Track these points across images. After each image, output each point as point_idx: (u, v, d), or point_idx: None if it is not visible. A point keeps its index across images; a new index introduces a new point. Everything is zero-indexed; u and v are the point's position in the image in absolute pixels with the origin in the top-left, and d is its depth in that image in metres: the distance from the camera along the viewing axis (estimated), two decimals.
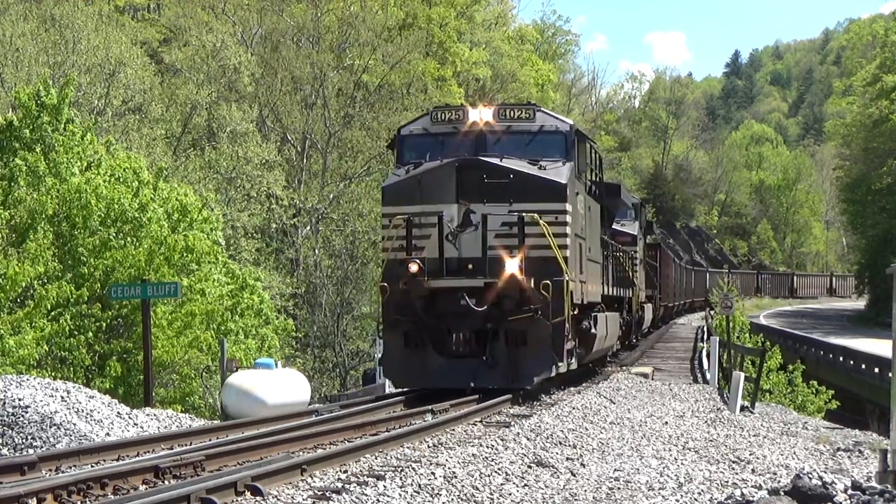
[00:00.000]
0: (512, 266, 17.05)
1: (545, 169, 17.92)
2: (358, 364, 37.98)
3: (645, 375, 25.16)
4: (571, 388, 20.62)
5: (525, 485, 10.61)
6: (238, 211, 36.66)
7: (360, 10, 45.41)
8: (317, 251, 40.35)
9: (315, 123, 42.15)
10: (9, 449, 12.70)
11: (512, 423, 14.77)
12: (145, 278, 20.40)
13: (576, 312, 18.76)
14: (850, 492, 9.43)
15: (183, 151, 38.47)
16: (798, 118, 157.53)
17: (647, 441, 14.37)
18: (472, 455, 11.68)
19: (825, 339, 43.05)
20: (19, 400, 13.71)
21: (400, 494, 9.52)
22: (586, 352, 20.20)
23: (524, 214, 17.32)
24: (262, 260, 37.48)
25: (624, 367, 27.12)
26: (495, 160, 17.73)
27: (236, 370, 18.73)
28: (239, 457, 11.46)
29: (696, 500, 10.45)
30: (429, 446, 12.83)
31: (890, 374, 17.89)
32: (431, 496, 9.63)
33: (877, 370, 31.99)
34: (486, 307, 17.13)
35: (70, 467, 11.06)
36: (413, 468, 10.68)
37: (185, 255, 22.86)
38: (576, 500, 10.22)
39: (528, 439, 13.19)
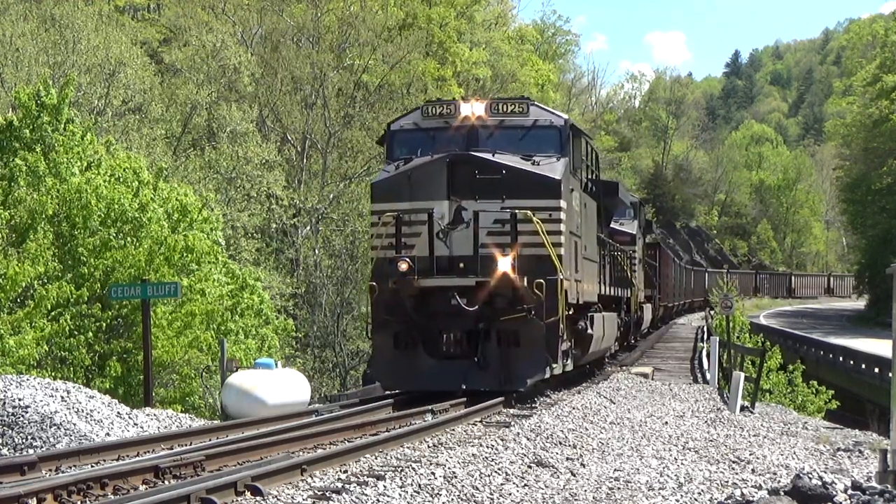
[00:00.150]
0: (504, 264, 16.63)
1: (539, 164, 17.50)
2: (358, 364, 37.97)
3: (645, 375, 25.15)
4: (571, 388, 20.62)
5: (525, 485, 10.61)
6: (238, 211, 36.66)
7: (360, 10, 45.41)
8: (317, 251, 40.35)
9: (315, 123, 42.14)
10: (9, 449, 12.69)
11: (512, 423, 14.77)
12: (145, 278, 20.39)
13: (571, 312, 18.37)
14: (850, 492, 9.43)
15: (183, 151, 38.47)
16: (798, 118, 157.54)
17: (647, 441, 14.37)
18: (472, 455, 11.68)
19: (825, 339, 43.05)
20: (19, 400, 13.71)
21: (400, 494, 9.52)
22: (582, 353, 19.81)
23: (517, 211, 16.90)
24: (262, 260, 37.47)
25: (624, 367, 27.10)
26: (487, 155, 17.33)
27: (236, 370, 18.72)
28: (239, 457, 11.46)
29: (696, 500, 10.45)
30: (429, 446, 12.83)
31: (890, 374, 17.88)
32: (431, 496, 9.63)
33: (877, 370, 31.99)
34: (477, 307, 16.73)
35: (70, 467, 11.06)
36: (413, 468, 10.68)
37: (185, 255, 22.85)
38: (576, 500, 10.22)
39: (528, 439, 13.19)
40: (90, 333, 21.26)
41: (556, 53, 77.55)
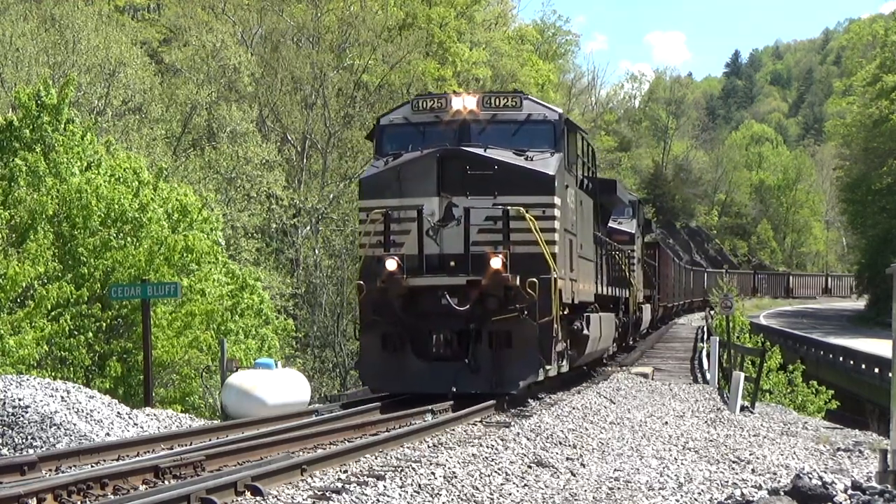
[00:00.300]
0: (496, 263, 16.14)
1: (532, 160, 17.05)
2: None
3: (645, 375, 25.15)
4: (571, 389, 20.61)
5: (525, 485, 10.61)
6: (238, 211, 36.66)
7: (360, 10, 45.40)
8: (317, 251, 40.35)
9: (315, 123, 42.14)
10: (9, 449, 12.70)
11: (512, 423, 14.77)
12: (145, 278, 20.39)
13: (566, 312, 17.98)
14: (850, 492, 9.43)
15: (183, 151, 38.46)
16: (798, 118, 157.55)
17: (647, 441, 14.37)
18: (472, 455, 11.68)
19: (825, 339, 43.04)
20: (19, 400, 13.71)
21: (400, 494, 9.52)
22: (578, 354, 19.44)
23: (509, 208, 16.47)
24: (262, 260, 37.47)
25: (624, 367, 27.08)
26: (479, 150, 16.88)
27: (236, 370, 18.71)
28: (239, 457, 11.47)
29: (696, 500, 10.45)
30: (429, 446, 12.83)
31: (890, 374, 17.88)
32: (431, 496, 9.63)
33: (877, 370, 31.98)
34: (468, 307, 16.26)
35: (70, 467, 11.06)
36: (413, 468, 10.68)
37: (185, 255, 22.84)
38: (576, 500, 10.22)
39: (528, 439, 13.19)
40: (90, 333, 21.26)
41: (556, 53, 77.51)
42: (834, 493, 9.35)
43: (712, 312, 41.83)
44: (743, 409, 20.80)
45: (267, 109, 42.55)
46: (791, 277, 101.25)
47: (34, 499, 9.08)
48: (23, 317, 20.13)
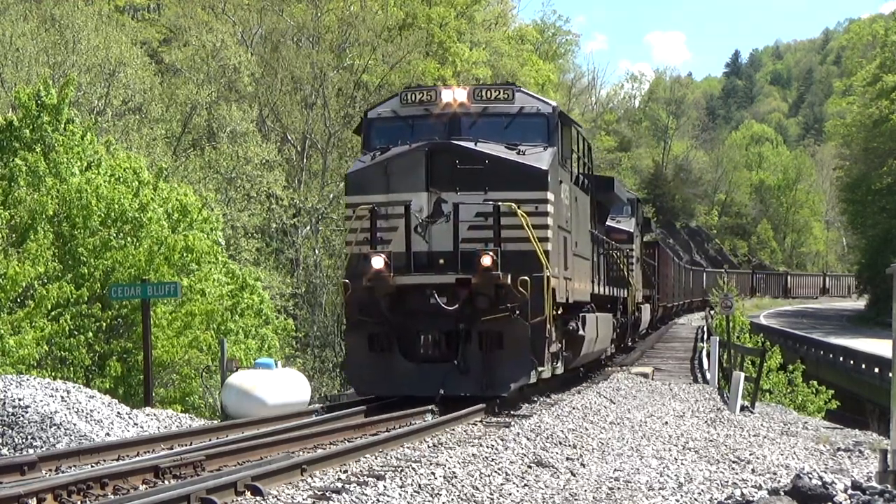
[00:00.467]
0: (486, 260, 15.58)
1: (524, 154, 16.49)
2: None
3: (645, 375, 25.15)
4: (571, 389, 20.61)
5: (525, 485, 10.61)
6: (238, 211, 36.66)
7: (360, 10, 45.40)
8: (317, 251, 40.35)
9: (315, 123, 42.15)
10: (9, 449, 12.70)
11: (512, 423, 14.76)
12: (145, 278, 20.40)
13: (560, 312, 17.48)
14: (850, 492, 9.43)
15: (183, 151, 38.47)
16: (798, 118, 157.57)
17: (647, 441, 14.36)
18: (472, 455, 11.68)
19: (825, 339, 43.05)
20: (19, 400, 13.72)
21: (400, 494, 9.52)
22: (574, 355, 18.96)
23: (500, 204, 15.87)
24: (262, 260, 37.48)
25: (624, 367, 27.06)
26: (469, 144, 16.31)
27: (236, 370, 18.72)
28: (239, 457, 11.47)
29: (696, 500, 10.44)
30: (429, 446, 12.83)
31: (890, 374, 17.88)
32: (431, 496, 9.63)
33: (877, 370, 31.99)
34: (457, 306, 15.74)
35: (70, 467, 11.07)
36: (413, 468, 10.68)
37: (184, 255, 22.86)
38: (576, 500, 10.21)
39: (528, 439, 13.19)
40: (90, 333, 21.27)
41: (556, 53, 77.53)
42: (834, 493, 9.35)
43: (712, 312, 41.81)
44: (743, 409, 20.79)
45: (267, 109, 42.56)
46: (789, 277, 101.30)
47: (34, 499, 9.08)
48: (23, 317, 20.14)
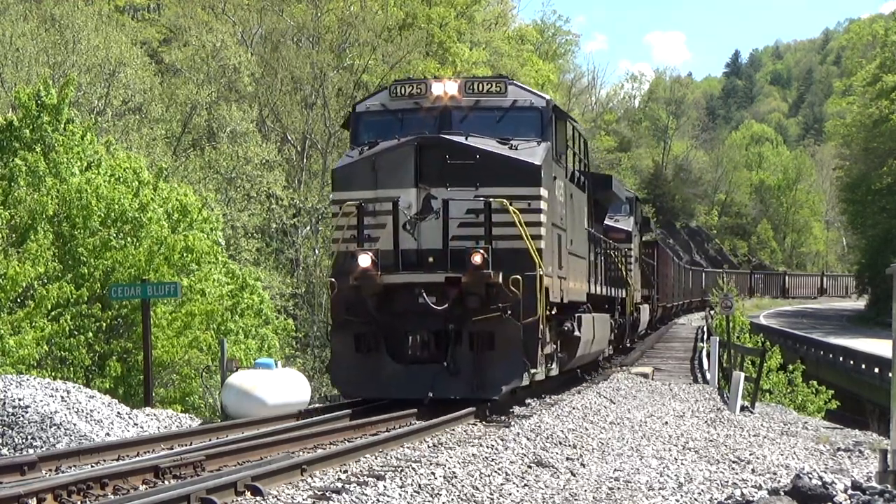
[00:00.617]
0: (477, 259, 15.06)
1: (517, 149, 15.94)
2: None
3: (645, 375, 25.15)
4: (572, 389, 20.60)
5: (525, 485, 10.61)
6: (238, 211, 36.67)
7: (360, 10, 45.42)
8: (317, 251, 40.34)
9: (315, 123, 42.16)
10: (9, 449, 12.71)
11: (512, 423, 14.75)
12: (145, 278, 20.40)
13: (554, 312, 17.03)
14: (850, 492, 9.43)
15: (183, 151, 38.49)
16: (798, 118, 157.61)
17: (647, 441, 14.36)
18: (472, 455, 11.68)
19: (825, 339, 43.07)
20: (19, 400, 13.72)
21: (400, 494, 9.52)
22: (569, 357, 18.53)
23: (492, 200, 15.38)
24: (262, 260, 37.48)
25: (624, 367, 27.04)
26: (459, 138, 15.78)
27: (236, 370, 18.72)
28: (239, 457, 11.47)
29: (696, 500, 10.45)
30: (429, 446, 12.83)
31: (890, 374, 17.88)
32: (431, 496, 9.63)
33: (877, 370, 32.00)
34: (447, 305, 15.22)
35: (70, 467, 11.07)
36: (413, 468, 10.68)
37: (184, 255, 22.86)
38: (576, 500, 10.21)
39: (528, 439, 13.19)
40: (90, 333, 21.27)
41: (556, 53, 77.56)
42: (834, 493, 9.35)
43: (712, 312, 41.79)
44: (743, 409, 20.80)
45: (267, 109, 42.56)
46: (787, 277, 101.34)
47: (34, 499, 9.09)
48: (23, 317, 20.14)
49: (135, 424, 14.61)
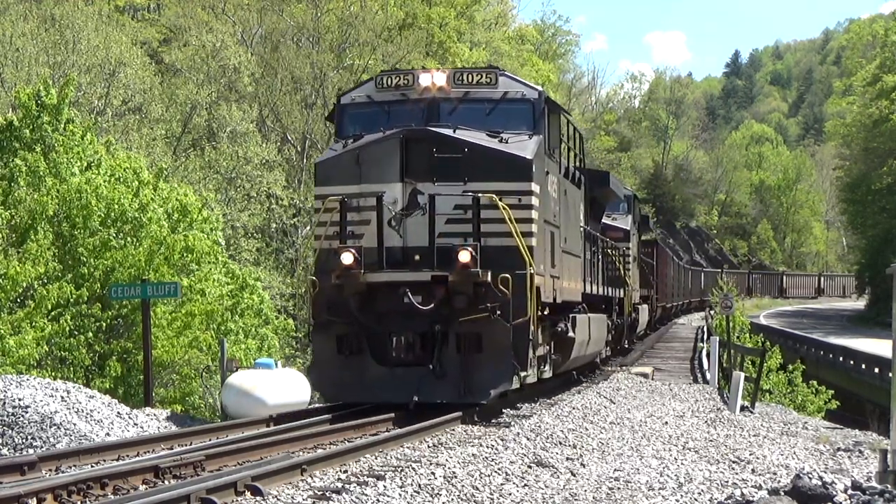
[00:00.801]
0: (464, 256, 14.45)
1: (507, 142, 15.36)
2: None
3: (645, 375, 25.14)
4: (572, 389, 20.60)
5: (525, 485, 10.61)
6: (238, 211, 36.68)
7: (360, 10, 45.43)
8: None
9: (315, 123, 42.15)
10: (9, 449, 12.71)
11: (512, 423, 14.75)
12: (145, 278, 20.41)
13: (546, 313, 16.44)
14: (850, 492, 9.43)
15: (183, 151, 38.49)
16: (798, 118, 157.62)
17: (647, 441, 14.36)
18: (472, 455, 11.68)
19: (825, 339, 43.08)
20: (19, 400, 13.73)
21: (400, 494, 9.52)
22: (563, 359, 17.97)
23: (480, 195, 14.78)
24: (262, 260, 37.48)
25: (624, 368, 27.01)
26: (447, 131, 15.19)
27: (236, 370, 18.72)
28: (239, 457, 11.47)
29: (696, 500, 10.45)
30: (429, 446, 12.83)
31: (890, 374, 17.89)
32: (431, 496, 9.63)
33: (877, 370, 32.01)
34: (433, 305, 14.62)
35: (70, 467, 11.07)
36: (413, 468, 10.68)
37: (184, 255, 22.86)
38: (576, 500, 10.21)
39: (528, 439, 13.19)
40: (90, 333, 21.27)
41: (556, 53, 77.62)
42: (834, 493, 9.35)
43: (712, 312, 41.77)
44: (743, 409, 20.80)
45: (267, 109, 42.56)
46: (785, 277, 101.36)
47: (34, 499, 9.09)
48: (23, 317, 20.14)
49: (135, 424, 14.61)
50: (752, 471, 12.52)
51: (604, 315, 23.01)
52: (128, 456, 11.84)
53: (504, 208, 14.80)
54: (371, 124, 15.88)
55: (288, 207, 39.79)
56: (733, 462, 13.12)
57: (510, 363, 14.82)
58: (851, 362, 36.27)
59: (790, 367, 32.57)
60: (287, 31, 44.83)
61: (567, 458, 12.24)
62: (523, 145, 15.49)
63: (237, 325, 24.39)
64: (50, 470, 10.86)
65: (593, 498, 10.36)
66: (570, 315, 18.16)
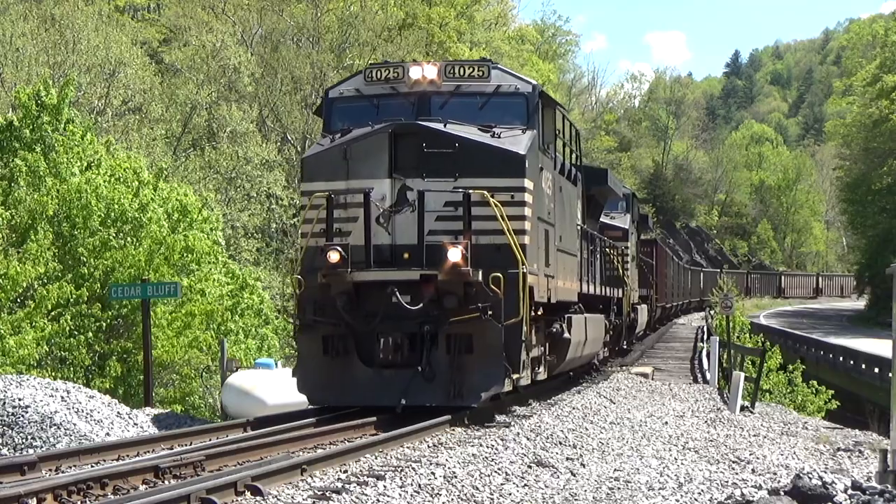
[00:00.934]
0: (455, 255, 13.94)
1: (500, 137, 14.86)
2: None
3: (645, 375, 25.13)
4: (571, 389, 20.60)
5: (525, 485, 10.61)
6: (238, 211, 36.70)
7: (360, 10, 45.45)
8: None
9: (315, 123, 42.16)
10: (9, 449, 12.72)
11: (512, 423, 14.74)
12: (145, 278, 20.41)
13: (540, 313, 15.93)
14: (850, 492, 9.44)
15: (183, 151, 38.52)
16: (798, 118, 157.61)
17: (647, 441, 14.36)
18: (472, 455, 11.68)
19: (825, 339, 43.08)
20: (19, 400, 13.73)
21: (400, 494, 9.52)
22: (558, 360, 17.41)
23: (471, 192, 14.26)
24: (262, 260, 37.51)
25: (624, 368, 26.98)
26: (437, 126, 14.70)
27: (236, 370, 18.72)
28: (239, 457, 11.47)
29: (696, 500, 10.45)
30: (429, 446, 12.82)
31: (890, 374, 17.89)
32: (431, 496, 9.63)
33: (877, 370, 32.02)
34: (422, 305, 14.12)
35: (70, 467, 11.06)
36: (413, 468, 10.68)
37: (184, 255, 22.88)
38: (576, 500, 10.21)
39: (528, 439, 13.18)
40: (90, 333, 21.29)
41: (556, 53, 77.65)
42: (834, 493, 9.35)
43: (712, 312, 41.74)
44: (743, 409, 20.79)
45: (267, 109, 42.58)
46: (783, 277, 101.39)
47: (34, 499, 9.09)
48: (23, 317, 20.16)
49: (135, 424, 14.62)
50: (752, 471, 12.52)
51: (601, 315, 22.63)
52: (128, 456, 11.83)
53: (496, 205, 14.32)
54: (360, 118, 15.36)
55: (288, 207, 39.82)
56: (733, 462, 13.12)
57: (502, 365, 14.35)
58: (851, 362, 36.28)
59: (790, 367, 32.56)
60: (287, 31, 44.86)
61: (567, 458, 12.24)
62: (516, 140, 15.03)
63: (237, 325, 24.41)
64: (50, 470, 10.86)
65: (593, 498, 10.36)
66: (566, 315, 17.72)
